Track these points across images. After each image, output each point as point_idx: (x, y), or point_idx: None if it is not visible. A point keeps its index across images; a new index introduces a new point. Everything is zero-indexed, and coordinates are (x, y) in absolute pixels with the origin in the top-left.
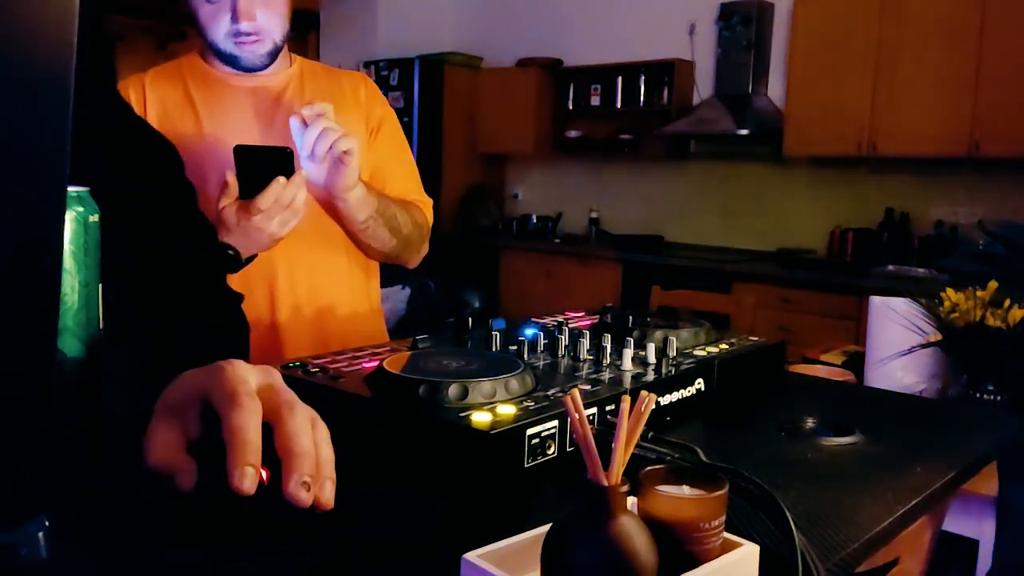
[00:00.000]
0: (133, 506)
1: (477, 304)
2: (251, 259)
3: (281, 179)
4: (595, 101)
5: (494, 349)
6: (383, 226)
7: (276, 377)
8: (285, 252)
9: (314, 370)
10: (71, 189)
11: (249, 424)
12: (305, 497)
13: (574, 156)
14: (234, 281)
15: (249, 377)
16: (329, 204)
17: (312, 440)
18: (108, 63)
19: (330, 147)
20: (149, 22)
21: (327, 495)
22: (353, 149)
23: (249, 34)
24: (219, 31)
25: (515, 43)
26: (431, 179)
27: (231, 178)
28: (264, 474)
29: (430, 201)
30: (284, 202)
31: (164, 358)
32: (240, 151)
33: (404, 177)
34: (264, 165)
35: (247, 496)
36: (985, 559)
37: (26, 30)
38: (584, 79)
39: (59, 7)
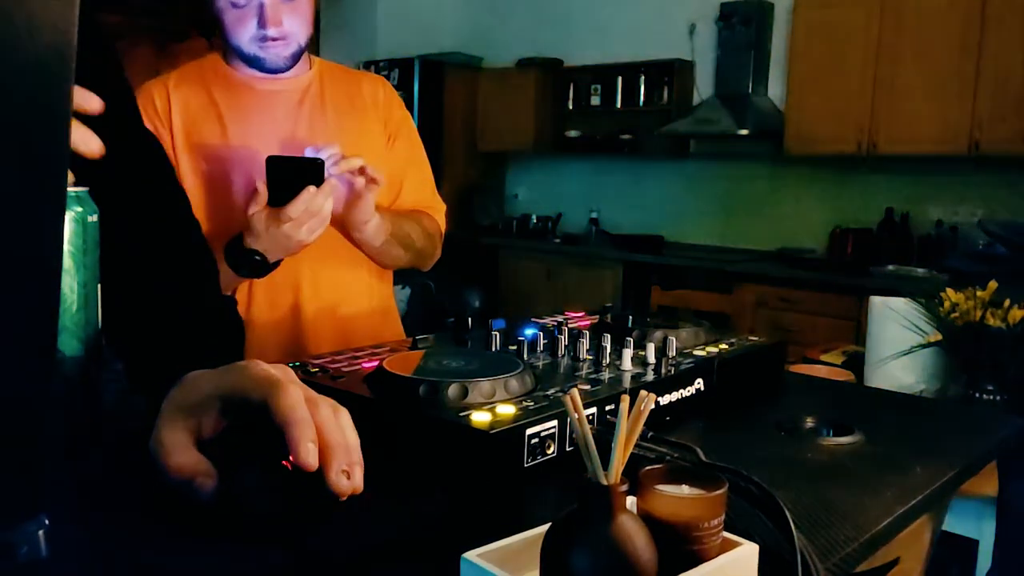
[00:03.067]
0: (132, 505)
1: (477, 304)
2: (277, 264)
3: (312, 188)
4: (595, 101)
5: (494, 349)
6: (397, 245)
7: (291, 375)
8: (309, 256)
9: (314, 370)
10: (70, 189)
11: (300, 404)
12: (346, 485)
13: (574, 156)
14: (260, 285)
15: (276, 372)
16: (347, 231)
17: (341, 430)
18: (115, 65)
19: (354, 173)
20: (149, 22)
21: (358, 480)
22: (377, 182)
23: (275, 39)
24: (244, 35)
25: (515, 43)
26: None
27: (261, 186)
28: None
29: (443, 207)
30: (313, 211)
31: (157, 360)
32: (272, 161)
33: (420, 183)
34: (295, 175)
35: (284, 483)
36: (985, 559)
37: (26, 29)
38: (584, 79)
39: (59, 6)
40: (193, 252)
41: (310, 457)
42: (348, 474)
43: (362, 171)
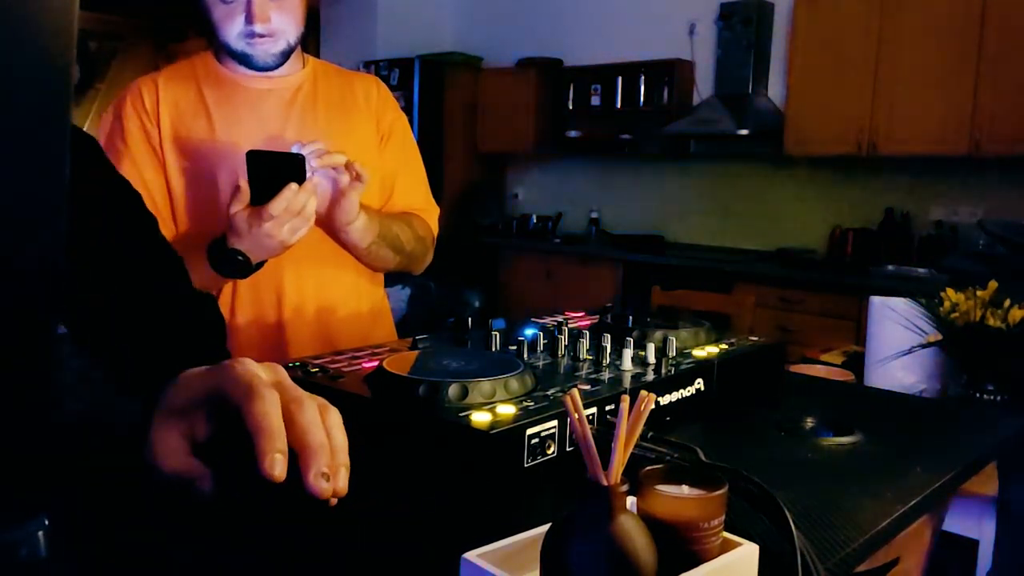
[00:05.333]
0: (132, 505)
1: (477, 304)
2: (260, 265)
3: (293, 186)
4: (595, 101)
5: (494, 349)
6: (386, 247)
7: (282, 373)
8: (293, 257)
9: (314, 370)
10: None
11: (272, 412)
12: (325, 488)
13: (574, 156)
14: (244, 286)
15: (259, 373)
16: (332, 232)
17: (324, 431)
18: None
19: (335, 170)
20: (149, 22)
21: (342, 483)
22: (362, 179)
23: (263, 35)
24: (232, 31)
25: (515, 43)
26: (431, 179)
27: (243, 183)
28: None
29: (436, 210)
30: (295, 209)
31: (145, 366)
32: (253, 156)
33: (412, 186)
34: (276, 171)
35: (272, 485)
36: (985, 559)
37: (25, 29)
38: (584, 79)
39: (59, 7)
40: (156, 249)
41: (275, 469)
42: (328, 476)
43: (347, 167)
